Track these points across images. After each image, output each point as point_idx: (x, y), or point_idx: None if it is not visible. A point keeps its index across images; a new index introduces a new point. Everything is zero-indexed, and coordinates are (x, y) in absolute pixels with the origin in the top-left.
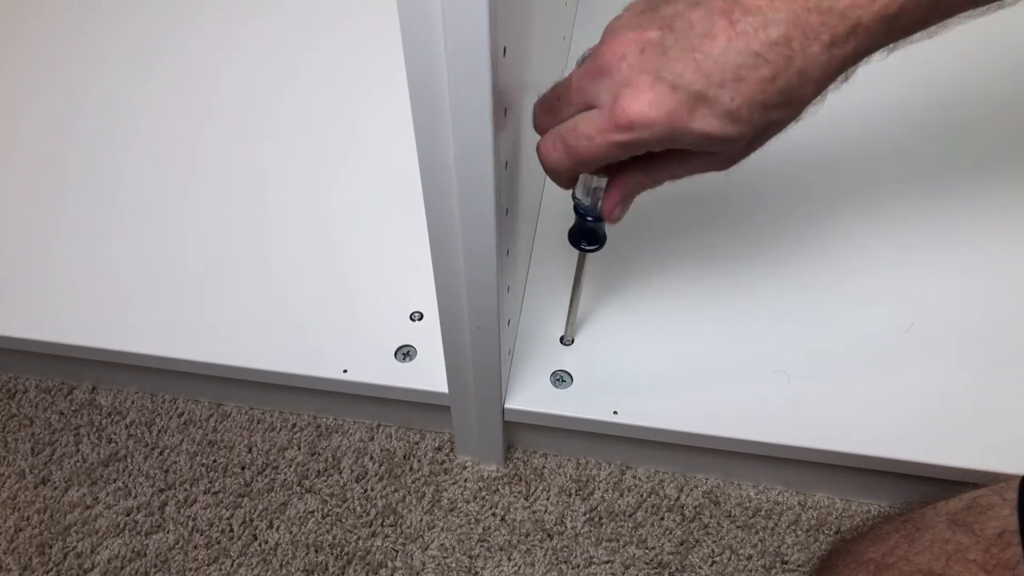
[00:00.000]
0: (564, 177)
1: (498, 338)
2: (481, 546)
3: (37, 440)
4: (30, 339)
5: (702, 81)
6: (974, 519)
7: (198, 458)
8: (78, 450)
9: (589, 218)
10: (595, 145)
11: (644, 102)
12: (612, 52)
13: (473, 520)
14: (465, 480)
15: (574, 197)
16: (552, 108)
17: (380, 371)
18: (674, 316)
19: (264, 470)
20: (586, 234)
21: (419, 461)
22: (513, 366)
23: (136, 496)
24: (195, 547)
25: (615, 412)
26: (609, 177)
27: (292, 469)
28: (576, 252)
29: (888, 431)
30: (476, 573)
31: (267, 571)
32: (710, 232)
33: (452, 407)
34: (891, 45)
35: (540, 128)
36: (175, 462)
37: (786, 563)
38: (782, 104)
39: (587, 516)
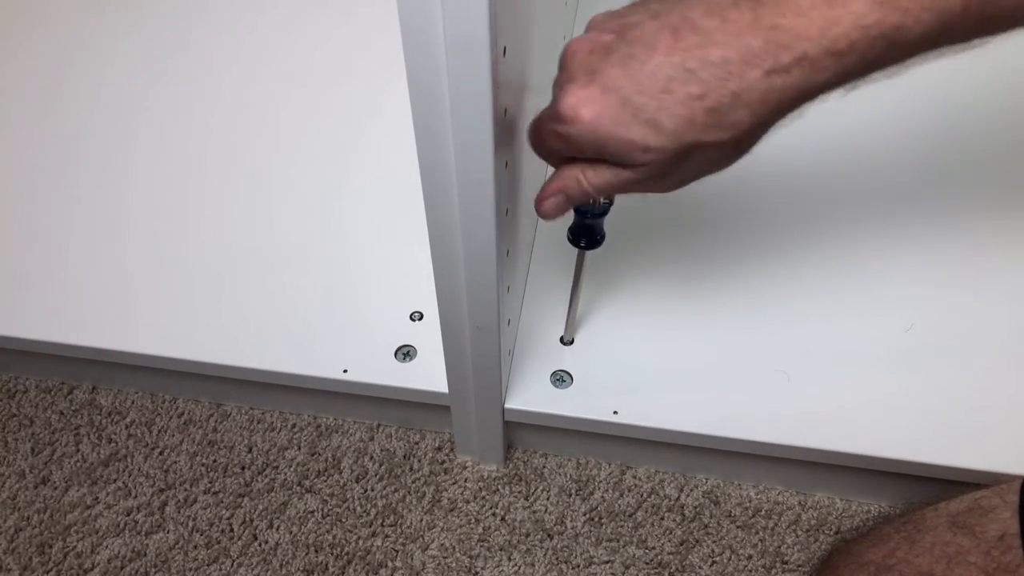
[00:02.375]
0: (547, 160)
1: (498, 338)
2: (481, 546)
3: (37, 440)
4: (30, 339)
5: (631, 88)
6: (975, 521)
7: (198, 458)
8: (78, 450)
9: (587, 216)
10: (544, 131)
11: (576, 98)
12: (570, 48)
13: (473, 520)
14: (465, 480)
15: None
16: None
17: (380, 371)
18: (674, 316)
19: (264, 470)
20: (585, 232)
21: (419, 461)
22: (513, 366)
23: (136, 496)
24: (195, 547)
25: (615, 412)
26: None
27: (292, 469)
28: (575, 251)
29: (888, 431)
30: (476, 573)
31: (267, 571)
32: (710, 233)
33: (452, 407)
34: (848, 86)
35: None
36: (175, 462)
37: (786, 563)
38: (711, 125)
39: (587, 516)
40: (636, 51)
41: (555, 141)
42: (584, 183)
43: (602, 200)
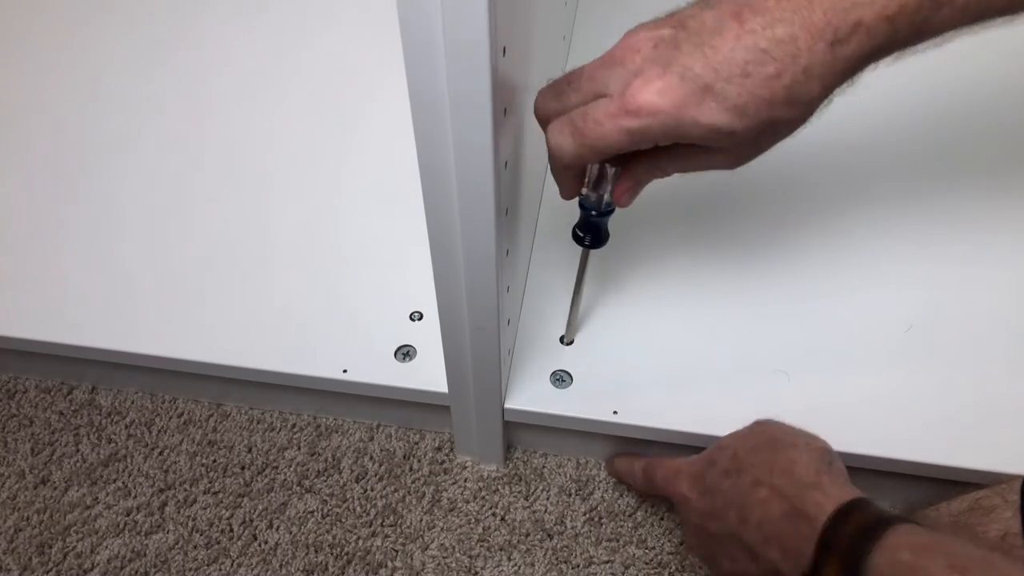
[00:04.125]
0: (567, 163)
1: (498, 338)
2: (481, 546)
3: (37, 440)
4: (30, 339)
5: (710, 74)
6: (976, 521)
7: (198, 458)
8: (78, 450)
9: (593, 212)
10: (604, 129)
11: (653, 90)
12: (627, 46)
13: (473, 520)
14: (465, 480)
15: (580, 192)
16: (560, 92)
17: (380, 371)
18: (674, 316)
19: (264, 470)
20: (590, 230)
21: (419, 461)
22: (513, 366)
23: (136, 496)
24: (195, 547)
25: (615, 412)
26: (620, 168)
27: (292, 469)
28: (579, 250)
29: (888, 431)
30: (476, 573)
31: (267, 571)
32: (710, 233)
33: (452, 407)
34: (897, 53)
35: (542, 111)
36: (175, 462)
37: None
38: (787, 102)
39: (587, 516)
40: (706, 39)
41: (621, 137)
42: (657, 172)
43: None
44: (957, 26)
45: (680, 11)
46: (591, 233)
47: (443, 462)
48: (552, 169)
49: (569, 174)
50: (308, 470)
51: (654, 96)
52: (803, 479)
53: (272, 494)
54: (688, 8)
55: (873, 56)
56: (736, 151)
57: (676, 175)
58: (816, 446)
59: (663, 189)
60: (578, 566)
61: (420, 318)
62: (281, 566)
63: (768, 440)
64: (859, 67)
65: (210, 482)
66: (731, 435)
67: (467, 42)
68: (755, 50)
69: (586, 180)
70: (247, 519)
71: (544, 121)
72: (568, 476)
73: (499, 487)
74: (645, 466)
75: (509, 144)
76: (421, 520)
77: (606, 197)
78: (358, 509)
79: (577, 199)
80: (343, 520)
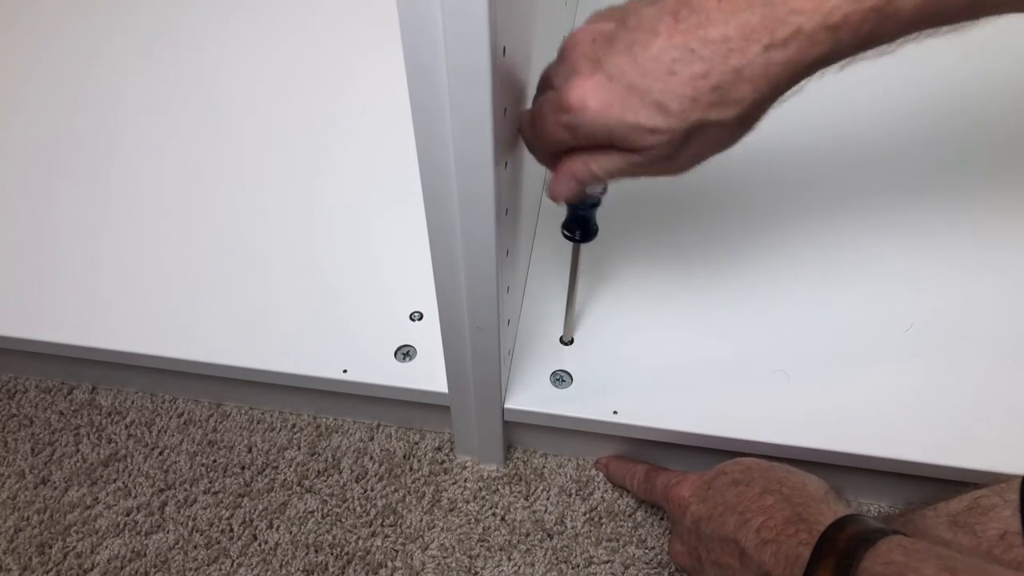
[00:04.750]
0: (533, 148)
1: (498, 338)
2: (481, 546)
3: (37, 440)
4: (30, 339)
5: (636, 73)
6: (975, 520)
7: (198, 458)
8: (78, 450)
9: (580, 207)
10: (547, 122)
11: (583, 88)
12: (571, 41)
13: (473, 520)
14: (465, 480)
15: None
16: (540, 89)
17: (380, 371)
18: (674, 316)
19: (264, 470)
20: (579, 224)
21: (419, 461)
22: (513, 366)
23: (136, 496)
24: (195, 547)
25: (615, 412)
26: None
27: (292, 469)
28: (571, 246)
29: (888, 431)
30: (476, 573)
31: (267, 571)
32: (711, 233)
33: (452, 407)
34: (844, 62)
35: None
36: (175, 462)
37: None
38: (716, 103)
39: (587, 516)
40: (638, 36)
41: (560, 132)
42: (595, 168)
43: (596, 191)
44: (905, 36)
45: (628, 4)
46: (579, 227)
47: (443, 462)
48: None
49: (547, 162)
50: (308, 470)
51: (584, 94)
52: (813, 494)
53: (272, 494)
54: (636, 3)
55: (816, 64)
56: (667, 152)
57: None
58: (824, 481)
59: (664, 189)
60: (578, 566)
61: (420, 318)
62: (281, 566)
63: (782, 466)
64: (801, 74)
65: (210, 482)
66: (747, 457)
67: (467, 42)
68: (684, 49)
69: None
70: (247, 519)
71: None
72: (568, 476)
73: (499, 487)
74: (648, 469)
75: (509, 144)
76: (421, 520)
77: (588, 190)
78: (358, 509)
79: None
80: (343, 520)
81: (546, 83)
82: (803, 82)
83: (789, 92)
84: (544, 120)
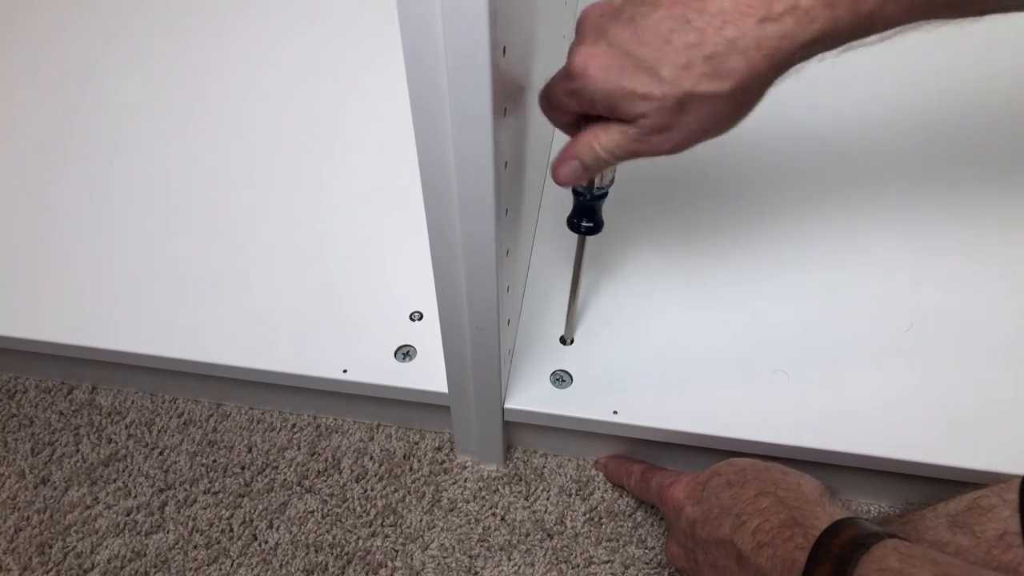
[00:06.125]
0: (553, 121)
1: (498, 338)
2: (481, 546)
3: (37, 440)
4: (30, 339)
5: (634, 41)
6: (974, 521)
7: (198, 458)
8: (78, 450)
9: (586, 196)
10: (556, 91)
11: (585, 54)
12: (584, 12)
13: (473, 520)
14: (465, 480)
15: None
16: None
17: (380, 371)
18: (674, 316)
19: (264, 470)
20: (586, 214)
21: (419, 461)
22: (513, 366)
23: (136, 496)
24: (195, 547)
25: (615, 412)
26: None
27: (292, 469)
28: (576, 250)
29: (888, 431)
30: (476, 573)
31: (267, 571)
32: (711, 233)
33: (452, 407)
34: (844, 46)
35: None
36: (175, 462)
37: None
38: (708, 73)
39: (587, 516)
40: (641, 9)
41: (566, 99)
42: (596, 146)
43: (604, 181)
44: (905, 20)
45: None
46: (585, 218)
47: (443, 462)
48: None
49: (569, 131)
50: (308, 470)
51: (585, 60)
52: (808, 496)
53: (272, 494)
54: None
55: (814, 44)
56: (660, 122)
57: (676, 179)
58: (820, 481)
59: (664, 189)
60: (578, 566)
61: (420, 318)
62: (281, 566)
63: (777, 466)
64: (796, 52)
65: (210, 482)
66: (741, 458)
67: (467, 41)
68: (680, 19)
69: None
70: (247, 519)
71: None
72: (568, 476)
73: (499, 487)
74: (645, 469)
75: (509, 144)
76: (421, 520)
77: (596, 180)
78: (358, 509)
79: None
80: (343, 520)
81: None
82: (799, 65)
83: (784, 75)
84: (554, 89)
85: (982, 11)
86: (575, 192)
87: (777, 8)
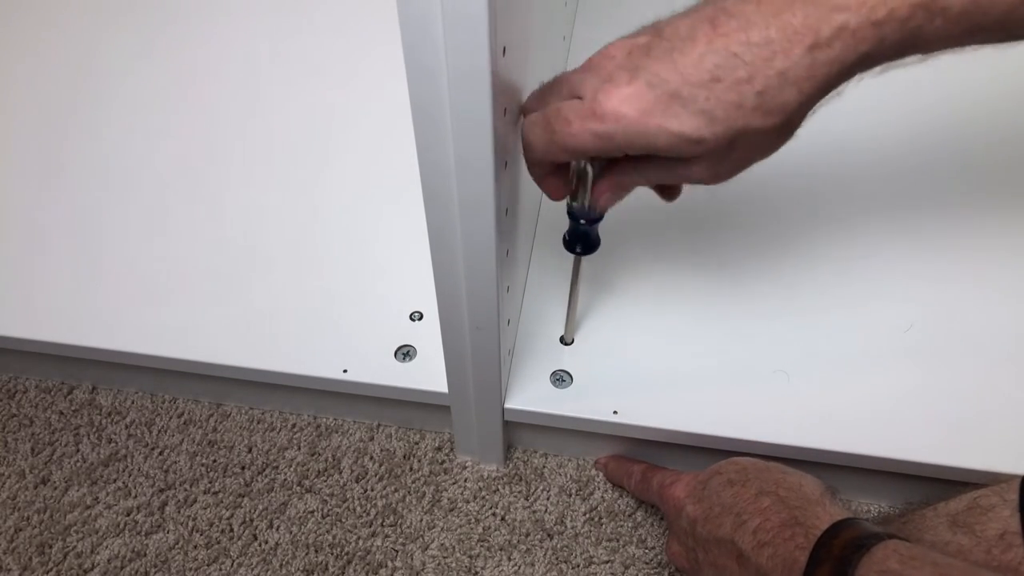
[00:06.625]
0: (538, 158)
1: (498, 338)
2: (481, 546)
3: (37, 440)
4: (30, 339)
5: (678, 80)
6: (975, 520)
7: (198, 458)
8: (78, 450)
9: (582, 221)
10: (572, 128)
11: (620, 96)
12: (604, 54)
13: (473, 520)
14: (465, 480)
15: (568, 202)
16: (543, 94)
17: (380, 371)
18: (674, 316)
19: (264, 470)
20: (580, 238)
21: (419, 461)
22: (513, 366)
23: (136, 496)
24: (195, 547)
25: (615, 412)
26: (599, 170)
27: (292, 469)
28: (572, 256)
29: (888, 431)
30: (476, 573)
31: (267, 571)
32: (710, 233)
33: (452, 407)
34: (885, 64)
35: (526, 111)
36: (175, 462)
37: None
38: (759, 108)
39: (587, 516)
40: (677, 44)
41: (589, 140)
42: (639, 179)
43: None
44: (950, 41)
45: (660, 20)
46: (580, 241)
47: (443, 462)
48: (527, 164)
49: (541, 171)
50: (308, 470)
51: (620, 103)
52: (809, 496)
53: (272, 494)
54: (668, 17)
55: (859, 65)
56: (710, 161)
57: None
58: (821, 481)
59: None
60: (578, 566)
61: (420, 318)
62: (281, 566)
63: (778, 465)
64: (843, 76)
65: (210, 482)
66: (743, 457)
67: (467, 42)
68: (726, 54)
69: (571, 181)
70: (247, 519)
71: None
72: (568, 476)
73: (499, 487)
74: (645, 469)
75: (509, 144)
76: (421, 520)
77: (588, 204)
78: (358, 509)
79: (566, 208)
80: (343, 520)
81: (565, 90)
82: (842, 86)
83: (830, 95)
84: (569, 127)
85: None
86: (570, 215)
87: (825, 32)
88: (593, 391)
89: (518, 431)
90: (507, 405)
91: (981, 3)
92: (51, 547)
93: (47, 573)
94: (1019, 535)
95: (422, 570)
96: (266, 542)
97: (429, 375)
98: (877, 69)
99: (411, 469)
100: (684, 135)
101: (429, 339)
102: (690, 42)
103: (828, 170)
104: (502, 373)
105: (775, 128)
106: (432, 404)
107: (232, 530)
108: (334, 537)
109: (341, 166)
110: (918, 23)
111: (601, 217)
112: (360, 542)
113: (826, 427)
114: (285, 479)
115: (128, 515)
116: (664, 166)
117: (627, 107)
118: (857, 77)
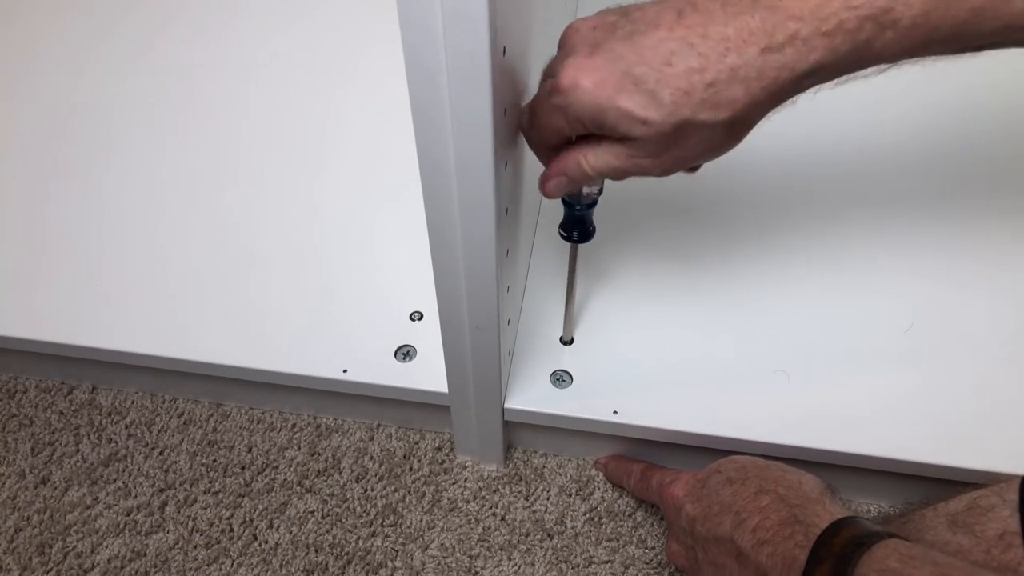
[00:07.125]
0: (533, 143)
1: (498, 338)
2: (481, 546)
3: (37, 440)
4: (30, 339)
5: (634, 59)
6: (974, 520)
7: (198, 458)
8: (78, 450)
9: (577, 207)
10: (543, 108)
11: (578, 66)
12: (571, 28)
13: (473, 520)
14: (465, 480)
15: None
16: (542, 83)
17: (380, 371)
18: (674, 316)
19: (264, 470)
20: (576, 224)
21: (419, 461)
22: (513, 366)
23: (136, 496)
24: (195, 547)
25: (615, 412)
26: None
27: (292, 469)
28: (570, 245)
29: (888, 431)
30: (476, 573)
31: (267, 571)
32: (710, 233)
33: (452, 407)
34: (842, 77)
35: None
36: (175, 462)
37: None
38: (708, 101)
39: (587, 516)
40: (640, 27)
41: (553, 115)
42: (584, 164)
43: (592, 191)
44: (903, 54)
45: (632, 4)
46: (576, 227)
47: (443, 462)
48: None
49: (544, 157)
50: (308, 470)
51: (577, 72)
52: (808, 494)
53: (272, 494)
54: (640, 2)
55: (811, 75)
56: (655, 146)
57: (676, 178)
58: (820, 480)
59: (664, 188)
60: (578, 566)
61: (420, 318)
62: (281, 566)
63: (777, 464)
64: (795, 83)
65: (210, 482)
66: (742, 456)
67: (467, 42)
68: (683, 43)
69: None
70: (247, 519)
71: None
72: (568, 476)
73: (499, 487)
74: (645, 468)
75: (509, 144)
76: (421, 520)
77: (585, 190)
78: (358, 509)
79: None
80: (343, 520)
81: (546, 74)
82: (794, 97)
83: (779, 107)
84: (540, 106)
85: (979, 47)
86: (565, 202)
87: (779, 38)
88: (593, 391)
89: (518, 431)
90: (507, 405)
91: (931, 18)
92: (51, 547)
93: (47, 573)
94: (1019, 535)
95: (422, 570)
96: (266, 542)
97: (429, 375)
98: (833, 82)
99: (411, 469)
100: (631, 112)
101: (429, 339)
102: (653, 27)
103: (830, 171)
104: (502, 373)
105: (722, 124)
106: (432, 404)
107: (232, 530)
108: (334, 537)
109: (341, 166)
110: (868, 36)
111: (595, 203)
112: (360, 542)
113: (826, 427)
114: (285, 479)
115: (128, 515)
116: (612, 151)
117: (583, 78)
118: (814, 89)
